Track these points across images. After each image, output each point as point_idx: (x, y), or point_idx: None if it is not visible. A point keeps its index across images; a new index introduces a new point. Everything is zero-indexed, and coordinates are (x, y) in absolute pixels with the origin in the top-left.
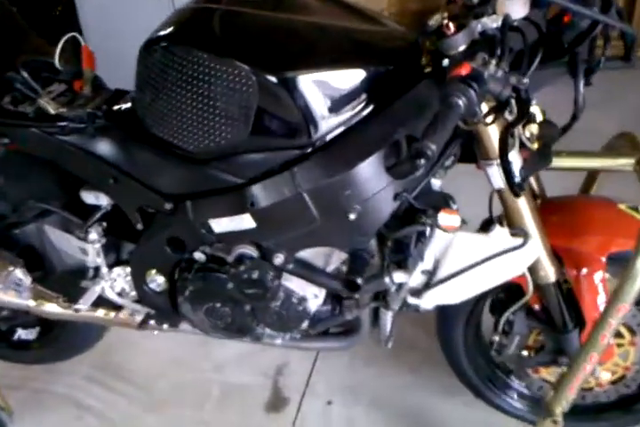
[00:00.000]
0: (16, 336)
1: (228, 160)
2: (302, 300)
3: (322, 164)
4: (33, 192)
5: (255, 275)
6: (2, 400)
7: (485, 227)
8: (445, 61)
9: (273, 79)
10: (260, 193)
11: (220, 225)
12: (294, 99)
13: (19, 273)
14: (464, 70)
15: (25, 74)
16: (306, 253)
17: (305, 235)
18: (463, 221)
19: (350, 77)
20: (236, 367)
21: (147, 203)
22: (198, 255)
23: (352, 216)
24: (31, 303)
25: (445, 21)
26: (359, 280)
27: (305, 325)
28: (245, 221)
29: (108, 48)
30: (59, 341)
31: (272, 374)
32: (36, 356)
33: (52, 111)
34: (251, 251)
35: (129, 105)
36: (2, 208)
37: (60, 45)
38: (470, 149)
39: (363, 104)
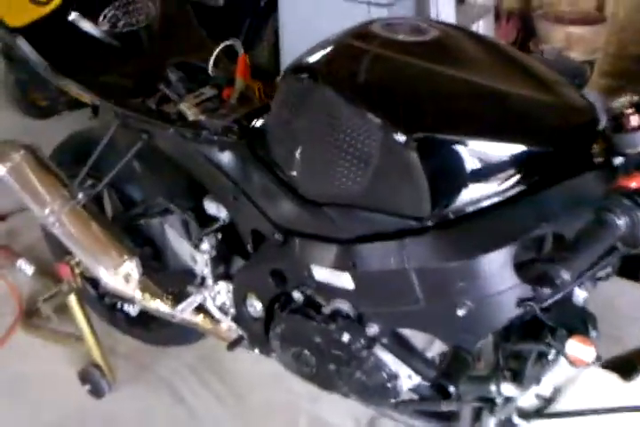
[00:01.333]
0: (118, 306)
1: (340, 210)
2: (393, 377)
3: (438, 244)
4: (163, 189)
5: (345, 338)
6: (108, 369)
7: (630, 368)
8: (618, 159)
9: (402, 138)
10: (364, 256)
11: (321, 273)
12: (424, 164)
13: (132, 264)
14: (634, 183)
15: (175, 76)
16: (406, 330)
17: (405, 314)
18: (598, 358)
19: (501, 151)
20: (331, 403)
21: (259, 228)
22: (297, 295)
23: (460, 312)
24: (137, 295)
25: (629, 110)
26: (451, 388)
27: (392, 401)
28: (344, 280)
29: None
30: (164, 327)
31: (364, 422)
32: (144, 336)
33: (190, 117)
34: (347, 309)
35: (263, 125)
36: (134, 195)
37: (215, 52)
38: (635, 263)
39: (506, 184)
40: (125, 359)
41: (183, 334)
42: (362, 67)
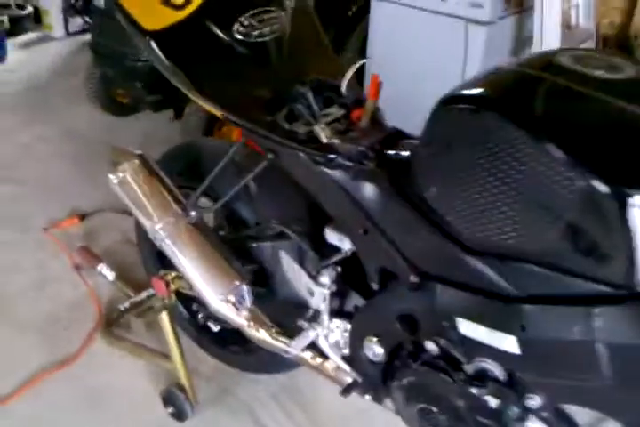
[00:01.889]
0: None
1: (507, 262)
2: None
3: (638, 320)
4: (280, 212)
5: (493, 404)
6: (191, 390)
7: None
8: None
9: (606, 191)
10: (539, 320)
11: (471, 329)
12: (628, 225)
13: (244, 290)
14: None
15: (306, 92)
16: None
17: (582, 391)
18: None
19: None
20: None
21: (390, 267)
22: (430, 346)
23: None
24: (244, 323)
25: None
26: None
27: None
28: (507, 343)
29: (388, 63)
30: (254, 353)
31: None
32: (232, 360)
33: (324, 139)
34: (497, 371)
35: (405, 154)
36: (246, 216)
37: (351, 71)
38: None
39: None
40: (207, 381)
41: (273, 363)
42: (556, 103)
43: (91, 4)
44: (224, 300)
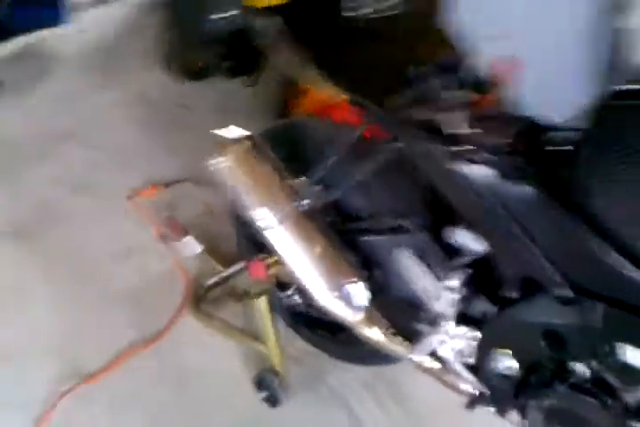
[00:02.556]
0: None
1: None
2: None
3: None
4: (398, 205)
5: None
6: (282, 374)
7: None
8: None
9: None
10: None
11: (636, 357)
12: None
13: (361, 287)
14: None
15: (434, 74)
16: None
17: None
18: None
19: None
20: None
21: (537, 276)
22: (580, 368)
23: None
24: (357, 322)
25: None
26: None
27: None
28: None
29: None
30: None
31: None
32: (324, 345)
33: (458, 129)
34: None
35: (562, 151)
36: (360, 207)
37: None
38: None
39: None
40: (296, 364)
41: (373, 357)
42: None
43: None
44: (338, 297)
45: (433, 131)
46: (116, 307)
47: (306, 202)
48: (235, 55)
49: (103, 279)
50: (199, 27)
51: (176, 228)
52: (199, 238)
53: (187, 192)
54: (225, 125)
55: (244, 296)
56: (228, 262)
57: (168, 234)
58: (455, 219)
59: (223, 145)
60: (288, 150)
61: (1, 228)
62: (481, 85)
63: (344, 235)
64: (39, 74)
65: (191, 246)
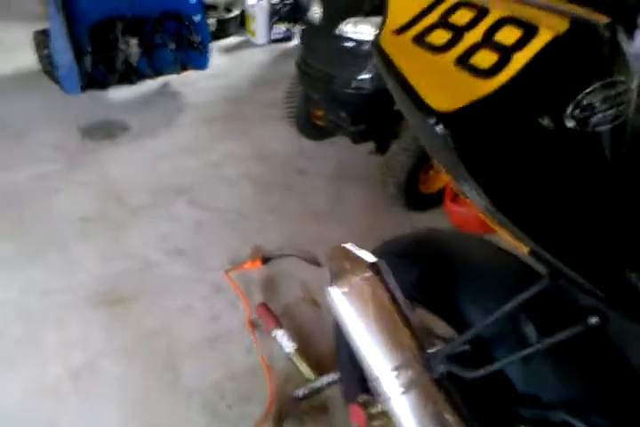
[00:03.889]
0: None
1: None
2: None
3: None
4: (572, 396)
5: None
6: None
7: None
8: None
9: None
10: None
11: None
12: None
13: None
14: None
15: None
16: None
17: None
18: None
19: None
20: None
21: None
22: None
23: None
24: None
25: None
26: None
27: None
28: None
29: None
30: None
31: None
32: None
33: None
34: None
35: None
36: (520, 384)
37: None
38: None
39: None
40: None
41: None
42: None
43: (300, 12)
44: None
45: None
46: (190, 406)
47: (441, 369)
48: (364, 120)
49: (183, 366)
50: (328, 89)
51: (269, 317)
52: (291, 329)
53: (290, 269)
54: (337, 196)
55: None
56: (321, 367)
57: (259, 323)
58: None
59: (335, 266)
60: (420, 274)
61: (93, 291)
62: None
63: (491, 415)
64: (165, 121)
65: (283, 343)
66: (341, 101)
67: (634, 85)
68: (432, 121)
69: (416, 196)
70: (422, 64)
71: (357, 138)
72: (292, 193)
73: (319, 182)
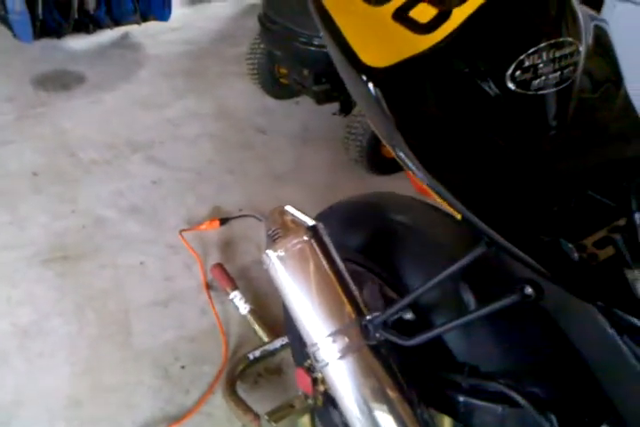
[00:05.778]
0: None
1: None
2: None
3: None
4: (510, 366)
5: None
6: None
7: None
8: None
9: None
10: None
11: None
12: None
13: None
14: None
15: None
16: None
17: None
18: None
19: None
20: None
21: None
22: None
23: None
24: None
25: None
26: None
27: None
28: None
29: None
30: None
31: None
32: None
33: None
34: None
35: None
36: (459, 353)
37: None
38: None
39: None
40: None
41: None
42: None
43: None
44: None
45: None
46: (142, 368)
47: (378, 335)
48: (327, 79)
49: (135, 328)
50: (291, 45)
51: (225, 278)
52: (247, 291)
53: (248, 230)
54: (299, 157)
55: (284, 411)
56: (276, 329)
57: (215, 284)
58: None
59: (273, 231)
60: (364, 239)
61: (44, 249)
62: None
63: (428, 382)
64: (123, 73)
65: (237, 304)
66: (304, 59)
67: (582, 48)
68: (364, 77)
69: (379, 159)
70: (359, 16)
71: (321, 98)
72: (252, 153)
73: (281, 143)
